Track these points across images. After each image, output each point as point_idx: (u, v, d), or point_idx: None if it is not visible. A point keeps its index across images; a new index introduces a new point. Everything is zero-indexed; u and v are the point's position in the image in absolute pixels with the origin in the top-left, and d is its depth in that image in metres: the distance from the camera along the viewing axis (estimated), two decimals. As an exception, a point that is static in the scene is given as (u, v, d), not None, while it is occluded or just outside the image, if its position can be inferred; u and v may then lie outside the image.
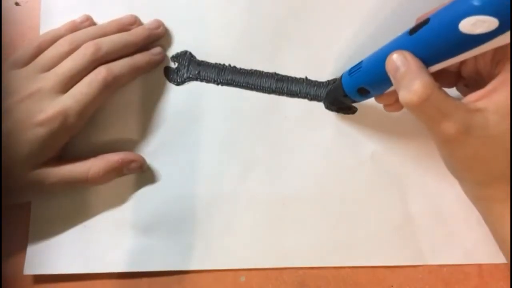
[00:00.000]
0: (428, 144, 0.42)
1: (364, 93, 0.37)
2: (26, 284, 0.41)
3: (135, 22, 0.43)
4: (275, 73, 0.44)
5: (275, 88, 0.44)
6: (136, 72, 0.41)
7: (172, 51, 0.44)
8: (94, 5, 0.44)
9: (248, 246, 0.41)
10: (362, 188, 0.42)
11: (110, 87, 0.39)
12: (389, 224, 0.42)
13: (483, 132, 0.31)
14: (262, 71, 0.44)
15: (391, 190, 0.42)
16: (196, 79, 0.44)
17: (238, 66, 0.44)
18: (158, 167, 0.42)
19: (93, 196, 0.42)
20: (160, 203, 0.42)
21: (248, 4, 0.44)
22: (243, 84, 0.44)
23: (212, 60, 0.44)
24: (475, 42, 0.29)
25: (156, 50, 0.43)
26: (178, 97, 0.43)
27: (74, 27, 0.41)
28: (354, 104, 0.43)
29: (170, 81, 0.43)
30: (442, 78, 0.38)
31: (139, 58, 0.41)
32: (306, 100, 0.44)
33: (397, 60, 0.32)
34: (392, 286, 0.41)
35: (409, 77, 0.31)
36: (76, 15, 0.42)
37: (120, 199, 0.42)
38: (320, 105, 0.44)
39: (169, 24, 0.44)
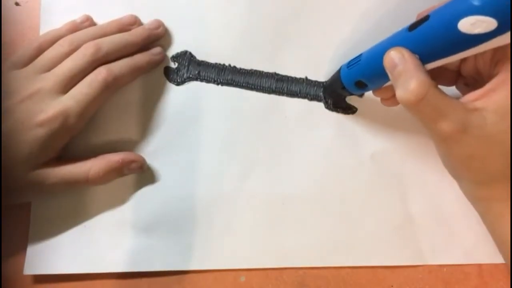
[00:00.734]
0: (428, 144, 0.42)
1: (361, 86, 0.38)
2: (26, 284, 0.41)
3: (135, 22, 0.42)
4: (275, 73, 0.44)
5: (275, 88, 0.44)
6: (136, 72, 0.41)
7: (172, 51, 0.44)
8: (94, 5, 0.44)
9: (248, 246, 0.41)
10: (362, 188, 0.42)
11: (111, 87, 0.39)
12: (389, 224, 0.42)
13: (480, 132, 0.31)
14: (262, 71, 0.44)
15: (391, 190, 0.42)
16: (196, 79, 0.44)
17: (238, 66, 0.44)
18: (158, 167, 0.42)
19: (93, 196, 0.42)
20: (160, 203, 0.42)
21: (248, 4, 0.44)
22: (243, 84, 0.44)
23: (212, 60, 0.44)
24: (473, 42, 0.29)
25: (156, 50, 0.43)
26: (178, 97, 0.43)
27: (74, 27, 0.41)
28: (354, 104, 0.43)
29: (170, 81, 0.43)
30: (441, 77, 0.38)
31: (139, 58, 0.41)
32: (306, 100, 0.44)
33: (395, 57, 0.32)
34: (392, 286, 0.41)
35: (406, 75, 0.31)
36: (76, 15, 0.42)
37: (120, 199, 0.42)
38: (320, 105, 0.44)
39: (169, 24, 0.44)
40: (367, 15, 0.44)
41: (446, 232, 0.42)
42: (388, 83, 0.35)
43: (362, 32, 0.44)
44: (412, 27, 0.32)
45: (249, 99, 0.44)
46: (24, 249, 0.41)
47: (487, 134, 0.31)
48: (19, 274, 0.40)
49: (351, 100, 0.43)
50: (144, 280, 0.41)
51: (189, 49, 0.44)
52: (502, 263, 0.41)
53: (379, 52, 0.34)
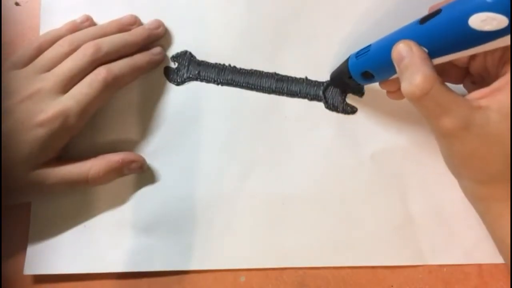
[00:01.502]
0: (428, 144, 0.42)
1: (368, 77, 0.38)
2: (26, 284, 0.41)
3: (135, 22, 0.43)
4: (275, 73, 0.44)
5: (275, 88, 0.44)
6: (137, 72, 0.41)
7: (172, 51, 0.44)
8: (94, 5, 0.44)
9: (248, 246, 0.41)
10: (362, 188, 0.42)
11: (111, 87, 0.39)
12: (389, 224, 0.42)
13: (483, 130, 0.31)
14: (262, 71, 0.44)
15: (391, 190, 0.42)
16: (196, 79, 0.44)
17: (238, 66, 0.44)
18: (158, 167, 0.42)
19: (93, 196, 0.42)
20: (160, 203, 0.42)
21: (248, 4, 0.44)
22: (243, 84, 0.44)
23: (212, 60, 0.44)
24: (483, 39, 0.29)
25: (156, 50, 0.43)
26: (178, 97, 0.43)
27: (75, 27, 0.41)
28: (355, 104, 0.43)
29: (170, 81, 0.43)
30: (449, 74, 0.38)
31: (139, 58, 0.41)
32: (306, 100, 0.44)
33: (403, 50, 0.32)
34: (392, 286, 0.41)
35: (412, 69, 0.31)
36: (76, 15, 0.42)
37: (120, 199, 0.42)
38: (320, 105, 0.44)
39: (169, 24, 0.44)
40: (367, 15, 0.44)
41: (446, 232, 0.42)
42: (395, 76, 0.35)
43: (362, 32, 0.44)
44: (424, 20, 0.32)
45: (249, 99, 0.44)
46: (24, 249, 0.41)
47: (489, 133, 0.31)
48: (19, 274, 0.40)
49: (351, 100, 0.43)
50: (144, 280, 0.41)
51: (189, 49, 0.44)
52: (502, 263, 0.41)
53: (388, 44, 0.34)
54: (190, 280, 0.41)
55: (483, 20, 0.28)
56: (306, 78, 0.44)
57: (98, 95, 0.38)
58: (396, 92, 0.38)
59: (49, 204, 0.42)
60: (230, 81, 0.44)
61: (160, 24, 0.43)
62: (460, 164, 0.35)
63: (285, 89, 0.44)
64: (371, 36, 0.40)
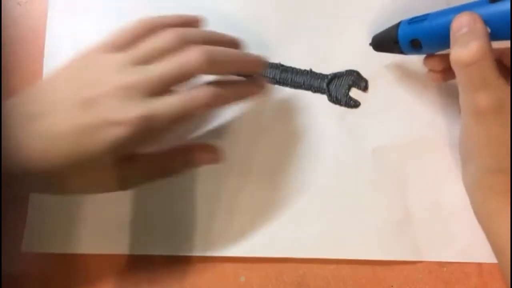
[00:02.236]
0: (430, 142, 0.43)
1: (415, 46, 0.37)
2: (24, 262, 0.41)
3: (241, 44, 0.39)
4: (279, 63, 0.44)
5: (279, 79, 0.43)
6: (239, 101, 0.38)
7: None
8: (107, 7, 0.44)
9: (248, 236, 0.41)
10: (362, 182, 0.42)
11: (209, 110, 0.36)
12: (388, 219, 0.42)
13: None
14: (267, 61, 0.43)
15: (391, 186, 0.42)
16: None
17: None
18: None
19: None
20: (160, 188, 0.41)
21: (254, -6, 0.44)
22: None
23: None
24: None
25: (261, 80, 0.40)
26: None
27: (184, 21, 0.37)
28: (358, 99, 0.43)
29: None
30: None
31: (245, 87, 0.39)
32: (309, 92, 0.43)
33: (465, 20, 0.32)
34: (392, 286, 0.41)
35: (469, 36, 0.32)
36: (86, 17, 0.43)
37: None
38: (323, 98, 0.43)
39: (176, 11, 0.43)
40: (374, 9, 0.44)
41: (444, 229, 0.42)
42: (443, 51, 0.36)
43: (369, 26, 0.43)
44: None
45: None
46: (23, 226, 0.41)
47: None
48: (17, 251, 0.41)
49: (355, 94, 0.43)
50: (144, 280, 0.41)
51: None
52: (503, 263, 0.41)
53: (449, 14, 0.34)
54: (190, 280, 0.41)
55: None
56: (311, 70, 0.44)
57: (193, 114, 0.34)
58: (437, 72, 0.39)
59: None
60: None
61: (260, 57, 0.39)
62: (476, 147, 0.35)
63: (289, 80, 0.43)
64: (378, 29, 0.39)
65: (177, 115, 0.33)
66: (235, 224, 0.42)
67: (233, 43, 0.38)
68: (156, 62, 0.33)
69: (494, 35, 0.32)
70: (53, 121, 0.32)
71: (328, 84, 0.43)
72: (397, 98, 0.43)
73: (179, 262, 0.41)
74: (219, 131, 0.43)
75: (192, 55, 0.33)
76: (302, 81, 0.43)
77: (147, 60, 0.33)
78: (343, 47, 0.44)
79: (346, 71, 0.43)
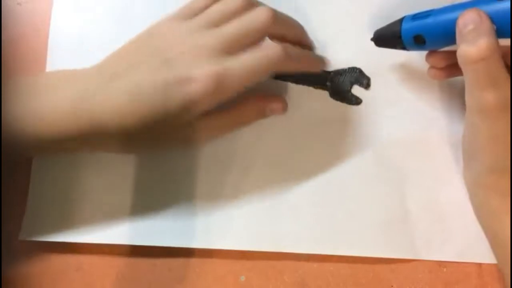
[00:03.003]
0: (430, 142, 0.42)
1: (419, 42, 0.37)
2: (22, 250, 0.42)
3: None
4: None
5: (281, 74, 0.43)
6: (305, 66, 0.41)
7: None
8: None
9: (246, 230, 0.41)
10: (360, 179, 0.42)
11: (279, 68, 0.37)
12: (386, 217, 0.42)
13: None
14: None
15: (390, 184, 0.42)
16: None
17: None
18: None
19: (94, 168, 0.42)
20: (160, 180, 0.42)
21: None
22: None
23: None
24: None
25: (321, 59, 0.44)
26: None
27: None
28: (360, 96, 0.43)
29: None
30: None
31: (310, 54, 0.42)
32: (311, 88, 0.43)
33: (471, 17, 0.32)
34: (392, 286, 0.41)
35: (477, 32, 0.32)
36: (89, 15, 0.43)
37: (121, 177, 0.42)
38: (325, 94, 0.43)
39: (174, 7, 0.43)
40: (377, 5, 0.44)
41: (443, 228, 0.42)
42: (447, 48, 0.36)
43: (371, 22, 0.44)
44: None
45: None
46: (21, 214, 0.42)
47: None
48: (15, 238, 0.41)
49: (357, 91, 0.43)
50: (145, 280, 0.41)
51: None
52: (503, 263, 0.41)
53: (455, 10, 0.34)
54: (190, 280, 0.41)
55: None
56: None
57: (265, 72, 0.36)
58: (439, 70, 0.39)
59: (49, 169, 0.42)
60: None
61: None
62: (481, 145, 0.35)
63: (291, 75, 0.43)
64: (381, 25, 0.39)
65: (250, 71, 0.35)
66: (235, 218, 0.42)
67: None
68: (227, 24, 0.36)
69: (499, 33, 0.32)
70: (137, 78, 0.35)
71: (330, 81, 0.43)
72: (398, 95, 0.43)
73: (179, 262, 0.41)
74: None
75: (260, 13, 0.36)
76: (304, 77, 0.43)
77: (218, 23, 0.36)
78: (346, 44, 0.44)
79: (349, 68, 0.43)
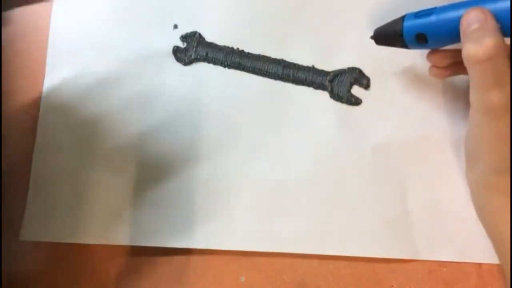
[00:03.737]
0: (430, 141, 0.42)
1: (421, 40, 0.37)
2: (22, 250, 0.42)
3: None
4: (282, 59, 0.44)
5: (282, 74, 0.44)
6: None
7: (182, 31, 0.44)
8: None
9: (244, 230, 0.42)
10: (361, 179, 0.42)
11: None
12: (385, 217, 0.42)
13: None
14: (270, 57, 0.44)
15: (390, 184, 0.42)
16: (204, 60, 0.44)
17: (246, 50, 0.44)
18: (160, 146, 0.43)
19: (94, 168, 0.43)
20: (160, 182, 0.42)
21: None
22: (250, 69, 0.44)
23: (221, 42, 0.44)
24: None
25: None
26: (184, 77, 0.44)
27: None
28: (359, 96, 0.43)
29: (178, 60, 0.44)
30: None
31: None
32: (311, 89, 0.44)
33: (476, 16, 0.32)
34: (392, 286, 0.41)
35: (482, 32, 0.31)
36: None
37: (121, 174, 0.43)
38: (325, 94, 0.43)
39: (181, 5, 0.44)
40: (376, 5, 0.44)
41: (443, 229, 0.42)
42: (450, 46, 0.36)
43: (370, 22, 0.44)
44: None
45: (255, 84, 0.44)
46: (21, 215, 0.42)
47: None
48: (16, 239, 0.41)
49: (357, 91, 0.43)
50: (145, 280, 0.41)
51: (199, 30, 0.44)
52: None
53: (457, 9, 0.33)
54: (190, 280, 0.41)
55: None
56: (313, 66, 0.44)
57: None
58: (441, 68, 0.38)
59: (49, 171, 0.42)
60: (237, 65, 0.44)
61: None
62: (485, 145, 0.34)
63: (291, 76, 0.44)
64: (380, 24, 0.39)
65: None
66: (235, 219, 0.42)
67: None
68: None
69: (504, 32, 0.32)
70: None
71: (330, 81, 0.43)
72: (398, 96, 0.43)
73: (180, 262, 0.41)
74: (221, 124, 0.43)
75: None
76: (304, 78, 0.43)
77: None
78: (346, 44, 0.44)
79: (348, 68, 0.43)
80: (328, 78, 0.43)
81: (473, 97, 0.33)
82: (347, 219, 0.42)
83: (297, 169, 0.42)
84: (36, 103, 0.44)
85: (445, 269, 0.41)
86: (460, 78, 0.40)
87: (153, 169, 0.42)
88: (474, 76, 0.32)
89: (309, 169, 0.42)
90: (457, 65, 0.37)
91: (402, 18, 0.38)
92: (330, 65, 0.44)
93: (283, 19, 0.44)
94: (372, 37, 0.41)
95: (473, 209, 0.37)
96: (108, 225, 0.41)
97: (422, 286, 0.41)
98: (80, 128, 0.43)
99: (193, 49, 0.44)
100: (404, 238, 0.41)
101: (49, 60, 0.44)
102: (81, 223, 0.41)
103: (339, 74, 0.43)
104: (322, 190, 0.42)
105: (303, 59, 0.44)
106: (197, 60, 0.44)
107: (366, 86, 0.43)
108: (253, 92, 0.44)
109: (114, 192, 0.42)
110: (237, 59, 0.44)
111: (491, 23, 0.31)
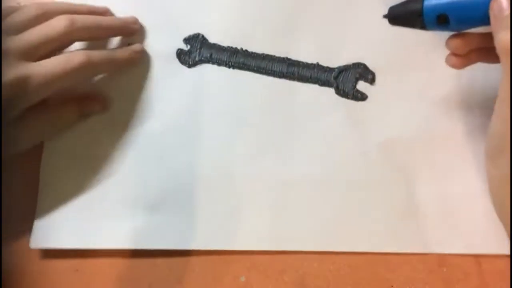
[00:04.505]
0: (436, 137, 0.42)
1: (442, 22, 0.34)
2: (32, 258, 0.42)
3: (107, 12, 0.43)
4: (286, 58, 0.44)
5: (286, 72, 0.44)
6: (114, 66, 0.41)
7: (185, 33, 0.44)
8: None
9: (252, 229, 0.42)
10: (367, 176, 0.42)
11: (84, 72, 0.38)
12: (393, 212, 0.42)
13: None
14: (274, 56, 0.44)
15: (397, 180, 0.42)
16: (208, 62, 0.44)
17: (250, 50, 0.44)
18: (166, 147, 0.43)
19: (99, 172, 0.43)
20: (166, 181, 0.42)
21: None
22: (255, 68, 0.44)
23: (224, 43, 0.44)
24: None
25: (137, 47, 0.43)
26: (189, 79, 0.44)
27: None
28: (365, 91, 0.43)
29: (182, 63, 0.44)
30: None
31: (119, 53, 0.41)
32: (317, 86, 0.43)
33: (505, 1, 0.31)
34: (392, 286, 0.41)
35: None
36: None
37: (126, 176, 0.43)
38: (331, 91, 0.43)
39: (182, 7, 0.44)
40: (381, 5, 0.42)
41: (450, 223, 0.41)
42: (474, 29, 0.34)
43: (375, 20, 0.42)
44: None
45: (260, 83, 0.44)
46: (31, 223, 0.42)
47: None
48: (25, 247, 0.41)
49: (362, 87, 0.43)
50: (145, 280, 0.41)
51: (202, 32, 0.44)
52: (503, 263, 0.41)
53: None
54: (190, 280, 0.41)
55: None
56: (318, 63, 0.44)
57: (69, 74, 0.37)
58: (461, 56, 0.36)
59: (57, 177, 0.42)
60: (241, 65, 0.44)
61: (136, 21, 0.43)
62: None
63: (296, 74, 0.44)
64: (385, 26, 0.38)
65: (52, 76, 0.36)
66: (237, 216, 0.42)
67: (97, 12, 0.42)
68: (25, 32, 0.37)
69: None
70: None
71: (335, 78, 0.43)
72: (403, 91, 0.43)
73: (179, 262, 0.42)
74: (227, 123, 0.43)
75: (56, 22, 0.37)
76: (309, 75, 0.43)
77: (17, 31, 0.37)
78: (350, 40, 0.44)
79: (353, 64, 0.43)
80: (333, 74, 0.43)
81: (503, 88, 0.32)
82: (357, 215, 0.42)
83: (304, 167, 0.42)
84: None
85: (445, 269, 0.41)
86: (468, 73, 0.40)
87: (157, 172, 0.43)
88: (507, 67, 0.31)
89: (316, 166, 0.42)
90: (479, 52, 0.36)
91: None
92: (335, 61, 0.44)
93: (285, 17, 0.44)
94: (385, 16, 0.38)
95: (480, 204, 0.37)
96: (116, 228, 0.42)
97: (422, 286, 0.41)
98: (85, 132, 0.43)
99: (197, 51, 0.44)
100: (412, 233, 0.41)
101: None
102: (89, 228, 0.42)
103: (344, 70, 0.43)
104: (329, 187, 0.42)
105: (307, 56, 0.44)
106: (201, 61, 0.44)
107: (372, 81, 0.43)
108: (258, 92, 0.44)
109: (119, 195, 0.42)
110: (241, 59, 0.44)
111: None
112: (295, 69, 0.43)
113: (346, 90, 0.43)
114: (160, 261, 0.42)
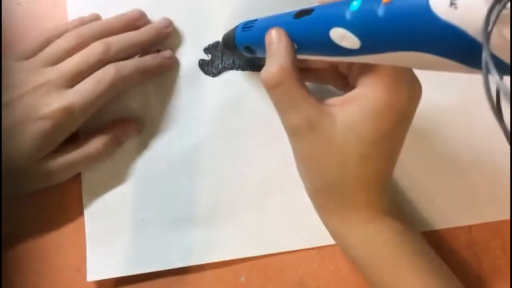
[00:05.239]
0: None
1: (250, 52, 0.37)
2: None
3: (141, 17, 0.42)
4: None
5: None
6: (145, 75, 0.40)
7: (204, 43, 0.44)
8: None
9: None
10: None
11: (117, 87, 0.38)
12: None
13: (326, 136, 0.32)
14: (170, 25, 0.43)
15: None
16: (232, 68, 0.44)
17: None
18: (204, 158, 0.43)
19: (143, 193, 0.42)
20: (211, 195, 0.42)
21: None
22: None
23: None
24: (341, 52, 0.28)
25: (167, 53, 0.42)
26: (216, 88, 0.43)
27: (82, 24, 0.41)
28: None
29: (206, 73, 0.44)
30: (334, 77, 0.38)
31: (149, 61, 0.41)
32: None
33: (274, 36, 0.32)
34: (392, 286, 0.41)
35: (274, 57, 0.32)
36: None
37: (171, 193, 0.42)
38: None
39: (198, 16, 0.44)
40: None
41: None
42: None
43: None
44: (297, 15, 0.31)
45: None
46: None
47: (332, 140, 0.32)
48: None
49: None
50: (145, 280, 0.41)
51: (221, 39, 0.43)
52: (503, 264, 0.42)
53: (266, 26, 0.33)
54: (190, 280, 0.41)
55: (342, 35, 0.27)
56: None
57: (104, 93, 0.37)
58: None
59: (101, 206, 0.42)
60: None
61: (169, 23, 0.42)
62: (301, 165, 0.35)
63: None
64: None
65: (90, 98, 0.37)
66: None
67: (132, 23, 0.42)
68: (65, 61, 0.38)
69: (299, 50, 0.32)
70: None
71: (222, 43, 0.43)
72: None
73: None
74: (259, 126, 0.43)
75: (92, 51, 0.38)
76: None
77: (55, 60, 0.38)
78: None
79: None
80: None
81: (279, 118, 0.34)
82: None
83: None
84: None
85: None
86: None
87: (202, 187, 0.43)
88: (272, 101, 0.33)
89: None
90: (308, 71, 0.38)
91: (235, 28, 0.38)
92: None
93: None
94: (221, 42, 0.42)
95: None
96: (166, 249, 0.42)
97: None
98: (120, 157, 0.43)
99: (219, 59, 0.44)
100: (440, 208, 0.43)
101: None
102: (139, 254, 0.42)
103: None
104: None
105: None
106: (225, 69, 0.44)
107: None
108: None
109: (167, 214, 0.42)
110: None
111: (284, 45, 0.32)
112: None
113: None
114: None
